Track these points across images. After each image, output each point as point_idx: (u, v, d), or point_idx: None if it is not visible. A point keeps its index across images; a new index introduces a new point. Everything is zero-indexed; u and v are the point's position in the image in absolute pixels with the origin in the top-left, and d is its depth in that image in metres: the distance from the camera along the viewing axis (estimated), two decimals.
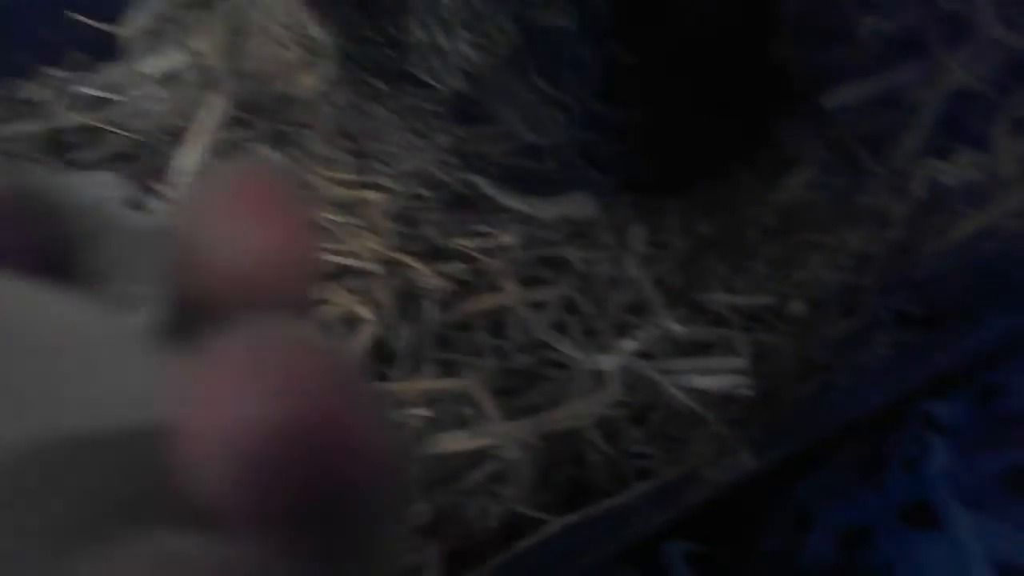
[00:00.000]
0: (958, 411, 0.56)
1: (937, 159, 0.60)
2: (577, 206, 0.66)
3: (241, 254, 0.13)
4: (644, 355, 0.60)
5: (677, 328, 0.59)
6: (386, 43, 0.63)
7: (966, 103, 0.64)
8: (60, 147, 0.77)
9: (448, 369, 0.62)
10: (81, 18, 0.78)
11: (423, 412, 0.57)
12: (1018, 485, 0.54)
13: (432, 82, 0.61)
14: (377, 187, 0.72)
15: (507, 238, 0.68)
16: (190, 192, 0.14)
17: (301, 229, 0.14)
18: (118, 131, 0.77)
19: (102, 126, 0.77)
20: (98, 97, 0.79)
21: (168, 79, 0.80)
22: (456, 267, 0.67)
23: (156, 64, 0.81)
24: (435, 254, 0.69)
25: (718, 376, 0.56)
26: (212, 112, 0.71)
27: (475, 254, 0.68)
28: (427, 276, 0.66)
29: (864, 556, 0.52)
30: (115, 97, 0.79)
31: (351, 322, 0.65)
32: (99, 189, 0.73)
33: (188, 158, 0.71)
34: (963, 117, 0.64)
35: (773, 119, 0.65)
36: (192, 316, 0.14)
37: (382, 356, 0.63)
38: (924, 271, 0.57)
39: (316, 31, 0.78)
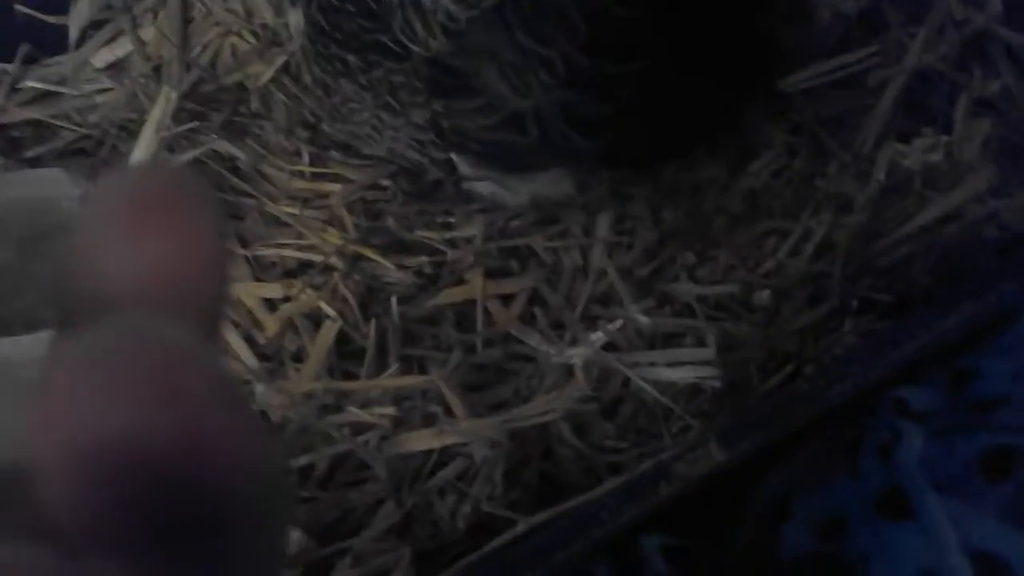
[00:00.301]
0: (932, 397, 0.56)
1: (899, 142, 0.60)
2: (552, 184, 0.64)
3: (139, 263, 0.12)
4: (612, 347, 0.59)
5: (644, 320, 0.58)
6: (359, 12, 0.61)
7: (928, 83, 0.64)
8: (9, 144, 0.74)
9: (414, 365, 0.61)
10: (29, 11, 0.75)
11: (389, 411, 0.56)
12: (994, 469, 0.54)
13: (411, 45, 0.58)
14: (337, 178, 0.71)
15: (472, 229, 0.67)
16: (90, 196, 0.13)
17: (205, 236, 0.13)
18: (68, 126, 0.75)
19: (52, 121, 0.74)
20: (47, 91, 0.76)
21: (118, 71, 0.78)
22: (420, 260, 0.66)
23: (105, 56, 0.79)
24: (399, 247, 0.67)
25: (686, 368, 0.56)
26: (164, 104, 0.69)
27: (440, 246, 0.66)
28: (391, 270, 0.65)
29: (841, 547, 0.53)
30: (64, 91, 0.76)
31: (315, 319, 0.64)
32: (50, 187, 0.71)
33: (141, 152, 0.69)
34: (925, 97, 0.64)
35: (754, 90, 0.64)
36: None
37: (346, 353, 0.62)
38: (889, 257, 0.57)
39: (271, 18, 0.76)
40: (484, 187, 0.64)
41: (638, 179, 0.65)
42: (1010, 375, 0.61)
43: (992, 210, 0.56)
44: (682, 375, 0.56)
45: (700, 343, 0.57)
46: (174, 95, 0.70)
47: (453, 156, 0.61)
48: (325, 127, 0.70)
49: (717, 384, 0.55)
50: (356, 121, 0.65)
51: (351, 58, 0.62)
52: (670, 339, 0.59)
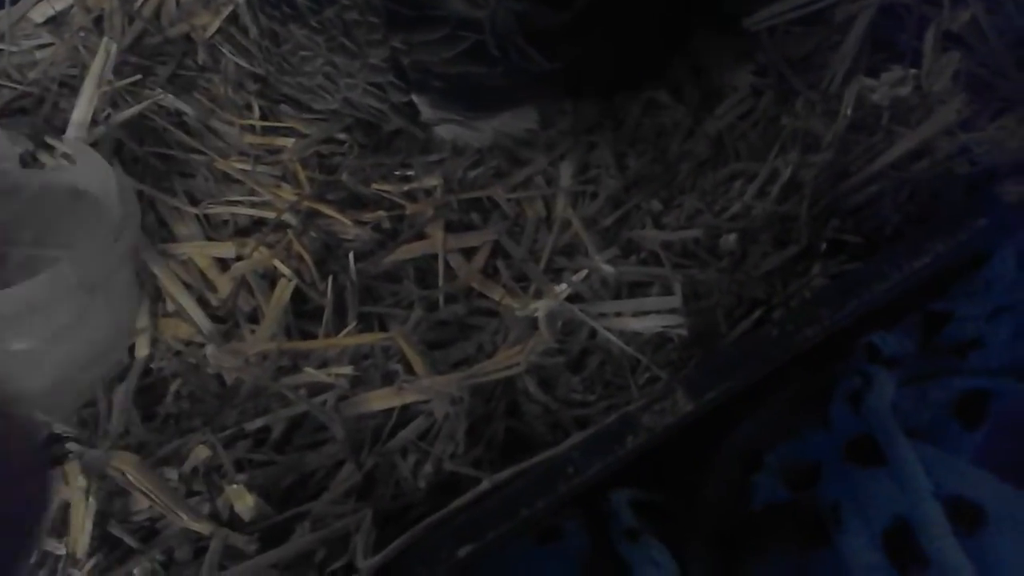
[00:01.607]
0: (903, 342, 0.55)
1: (867, 76, 0.58)
2: (515, 119, 0.62)
3: None
4: (578, 298, 0.58)
5: (609, 270, 0.57)
6: None
7: (895, 18, 0.62)
8: None
9: (373, 323, 0.59)
10: None
11: (347, 371, 0.54)
12: (968, 414, 0.53)
13: None
14: (290, 132, 0.68)
15: (431, 181, 0.65)
16: None
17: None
18: (6, 83, 0.71)
19: None
20: None
21: (58, 25, 0.75)
22: (378, 215, 0.63)
23: (44, 10, 0.75)
24: (355, 202, 0.65)
25: (652, 317, 0.54)
26: (104, 57, 0.66)
27: (398, 200, 0.64)
28: (348, 226, 0.63)
29: (813, 494, 0.52)
30: (2, 47, 0.73)
31: (270, 278, 0.62)
32: None
33: (82, 109, 0.66)
34: (892, 33, 0.62)
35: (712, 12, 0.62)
36: None
37: (303, 313, 0.60)
38: (857, 196, 0.55)
39: None
40: (446, 131, 0.62)
41: (601, 116, 0.63)
42: (983, 317, 0.60)
43: (962, 144, 0.54)
44: (648, 325, 0.54)
45: (667, 291, 0.56)
46: (114, 47, 0.67)
47: (414, 98, 0.59)
48: (274, 82, 0.67)
49: (684, 333, 0.53)
50: (308, 71, 0.63)
51: None
52: (636, 288, 0.58)
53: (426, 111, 0.61)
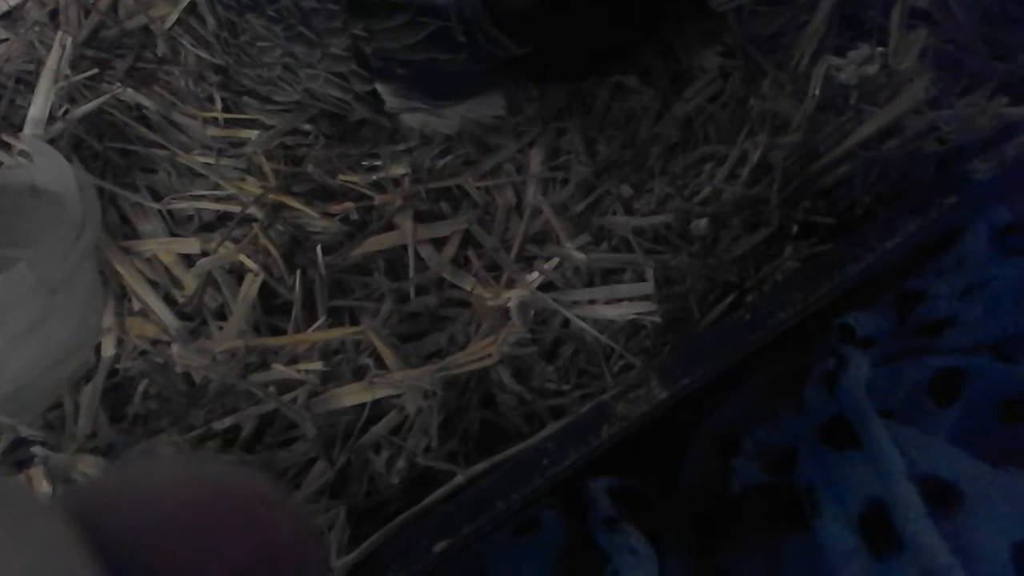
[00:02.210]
0: (878, 322, 0.54)
1: (834, 56, 0.57)
2: (483, 105, 0.61)
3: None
4: (550, 287, 0.57)
5: (581, 257, 0.56)
6: None
7: None
8: None
9: (344, 317, 0.59)
10: None
11: (316, 366, 0.53)
12: (942, 392, 0.53)
13: None
14: (254, 124, 0.67)
15: (399, 170, 0.64)
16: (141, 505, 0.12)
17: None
18: None
19: None
20: None
21: (12, 20, 0.73)
22: (346, 206, 0.62)
23: None
24: (322, 194, 0.64)
25: (625, 304, 0.54)
26: (60, 52, 0.64)
27: (366, 191, 0.63)
28: (315, 218, 0.62)
29: (789, 478, 0.51)
30: None
31: (237, 273, 0.60)
32: None
33: (39, 106, 0.65)
34: (859, 10, 0.61)
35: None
36: None
37: (272, 309, 0.59)
38: (828, 177, 0.55)
39: None
40: (413, 119, 0.61)
41: (569, 101, 0.62)
42: (955, 295, 0.60)
43: (931, 122, 0.54)
44: (621, 312, 0.54)
45: (639, 278, 0.55)
46: (70, 41, 0.65)
47: (378, 87, 0.58)
48: (233, 74, 0.66)
49: (657, 319, 0.52)
50: (267, 62, 0.61)
51: None
52: (609, 275, 0.57)
53: (390, 100, 0.60)
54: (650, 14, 0.60)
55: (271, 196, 0.62)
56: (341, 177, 0.64)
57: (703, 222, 0.53)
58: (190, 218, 0.64)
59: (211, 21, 0.63)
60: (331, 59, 0.58)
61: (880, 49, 0.56)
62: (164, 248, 0.62)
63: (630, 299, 0.54)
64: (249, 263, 0.60)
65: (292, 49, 0.59)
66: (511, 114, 0.63)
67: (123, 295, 0.60)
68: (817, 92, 0.55)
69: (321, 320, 0.57)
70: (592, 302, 0.55)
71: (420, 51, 0.56)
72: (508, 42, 0.55)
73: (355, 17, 0.56)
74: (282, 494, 0.13)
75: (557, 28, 0.57)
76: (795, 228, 0.54)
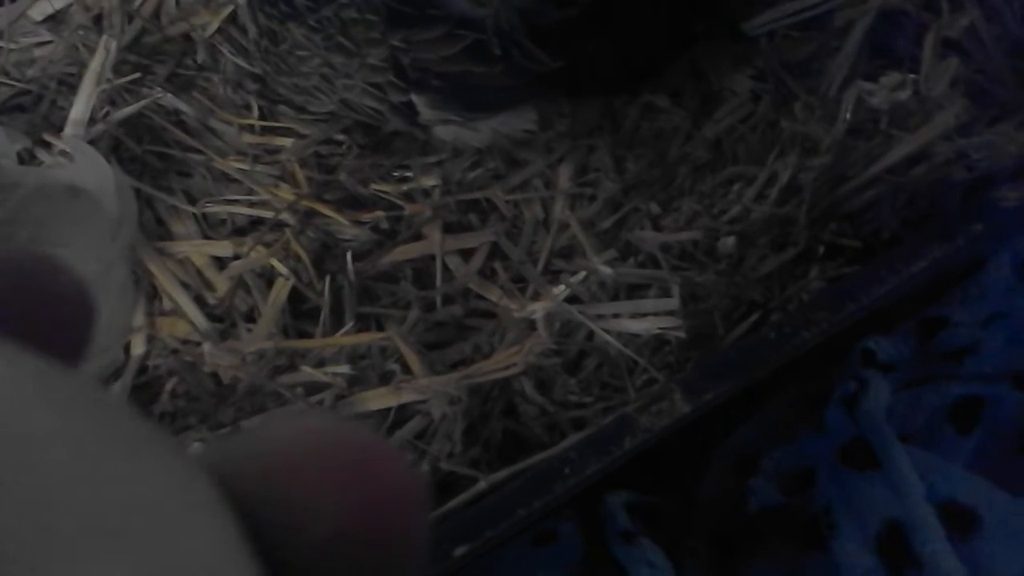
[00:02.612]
0: (900, 348, 0.55)
1: (865, 81, 0.58)
2: (514, 119, 0.62)
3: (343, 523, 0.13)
4: (575, 300, 0.58)
5: (607, 271, 0.57)
6: None
7: (894, 24, 0.62)
8: None
9: (371, 323, 0.59)
10: None
11: (344, 370, 0.54)
12: (962, 419, 0.53)
13: None
14: (289, 132, 0.68)
15: (429, 182, 0.65)
16: (265, 444, 0.13)
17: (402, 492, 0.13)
18: (5, 80, 0.71)
19: None
20: None
21: (57, 23, 0.75)
22: (376, 215, 0.64)
23: (44, 7, 0.75)
24: (354, 202, 0.65)
25: (650, 319, 0.55)
26: (104, 56, 0.66)
27: (396, 200, 0.64)
28: (346, 226, 0.63)
29: (807, 498, 0.52)
30: (1, 44, 0.73)
31: (267, 277, 0.62)
32: None
33: (81, 107, 0.66)
34: (891, 39, 0.62)
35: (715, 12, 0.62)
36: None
37: (300, 313, 0.60)
38: (855, 200, 0.55)
39: None
40: (445, 131, 0.62)
41: (599, 119, 0.63)
42: (978, 324, 0.60)
43: (960, 149, 0.54)
44: (646, 326, 0.54)
45: (664, 294, 0.56)
46: (114, 45, 0.67)
47: (413, 98, 0.59)
48: (271, 82, 0.67)
49: (681, 335, 0.53)
50: (304, 72, 0.63)
51: None
52: (634, 290, 0.58)
53: (425, 111, 0.61)
54: (680, 32, 0.61)
55: (303, 203, 0.63)
56: (372, 186, 0.65)
57: (731, 240, 0.54)
58: (223, 222, 0.65)
59: (252, 29, 0.64)
60: (368, 69, 0.60)
61: (912, 76, 0.56)
62: (197, 250, 0.63)
63: (655, 314, 0.55)
64: (280, 267, 0.61)
65: (330, 59, 0.60)
66: (542, 129, 0.64)
67: (154, 295, 0.61)
68: (848, 115, 0.56)
69: (349, 325, 0.58)
70: (617, 316, 0.56)
71: (456, 63, 0.57)
72: (543, 56, 0.56)
73: (394, 28, 0.57)
74: (396, 449, 0.14)
75: (590, 44, 0.58)
76: (821, 250, 0.55)
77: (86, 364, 0.14)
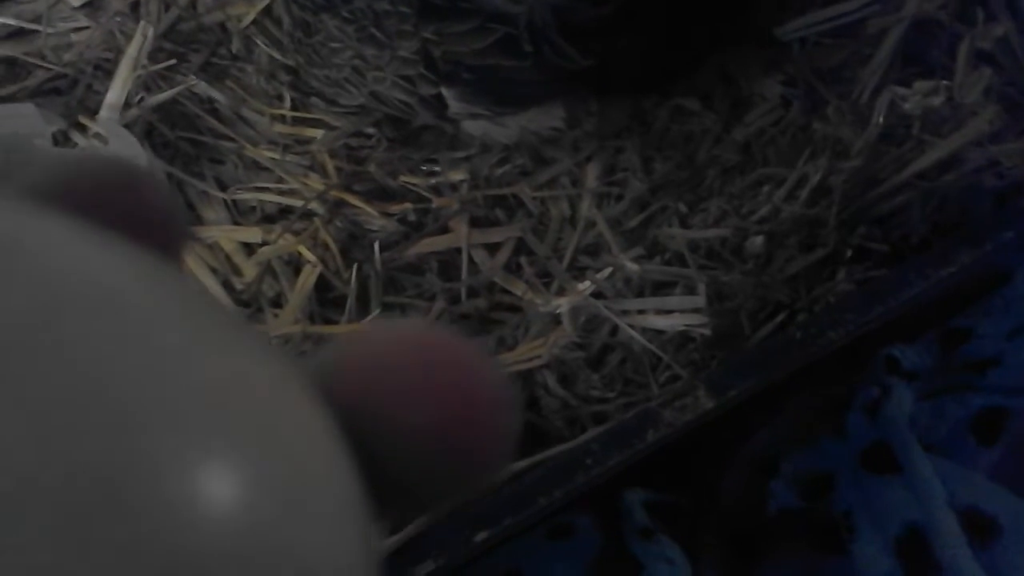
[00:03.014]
0: (923, 356, 0.55)
1: (898, 86, 0.58)
2: (542, 116, 0.62)
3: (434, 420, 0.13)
4: (600, 296, 0.58)
5: (633, 268, 0.57)
6: None
7: (927, 33, 0.62)
8: None
9: (396, 313, 0.60)
10: None
11: None
12: (985, 431, 0.53)
13: None
14: (319, 123, 0.69)
15: (457, 175, 0.65)
16: (350, 350, 0.13)
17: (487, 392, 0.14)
18: (41, 63, 0.72)
19: (24, 58, 0.72)
20: (21, 28, 0.74)
21: (95, 9, 0.76)
22: (404, 207, 0.64)
23: None
24: (382, 194, 0.66)
25: (675, 316, 0.55)
26: (140, 42, 0.67)
27: (424, 193, 0.65)
28: (374, 217, 0.63)
29: (826, 502, 0.52)
30: (38, 28, 0.74)
31: (294, 265, 0.62)
32: (22, 123, 0.69)
33: (116, 91, 0.67)
34: (924, 48, 0.62)
35: (745, 19, 0.62)
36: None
37: (327, 301, 0.61)
38: (885, 205, 0.55)
39: None
40: (474, 126, 0.62)
41: (628, 121, 0.64)
42: (1003, 336, 0.60)
43: (992, 157, 0.54)
44: (671, 323, 0.54)
45: (690, 292, 0.56)
46: (151, 32, 0.68)
47: (443, 91, 0.59)
48: (303, 74, 0.68)
49: (707, 332, 0.53)
50: (336, 63, 0.63)
51: None
52: (660, 288, 0.58)
53: (454, 104, 0.61)
54: (711, 35, 0.62)
55: (333, 192, 0.64)
56: (401, 179, 0.65)
57: (759, 240, 0.54)
58: (253, 209, 0.65)
59: (286, 20, 0.65)
60: (400, 62, 0.60)
61: (945, 83, 0.56)
62: (226, 235, 0.63)
63: (681, 311, 0.55)
64: (308, 255, 0.61)
65: (362, 51, 0.61)
66: (569, 127, 0.64)
67: None
68: (881, 119, 0.56)
69: (374, 314, 0.58)
70: (642, 312, 0.56)
71: (487, 56, 0.57)
72: (574, 53, 0.56)
73: (426, 21, 0.58)
74: (490, 359, 0.14)
75: (621, 43, 0.58)
76: (849, 253, 0.55)
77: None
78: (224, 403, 0.10)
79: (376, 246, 0.61)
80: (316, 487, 0.11)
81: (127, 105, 0.67)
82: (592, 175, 0.65)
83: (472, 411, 0.13)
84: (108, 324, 0.10)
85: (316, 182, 0.65)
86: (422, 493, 0.13)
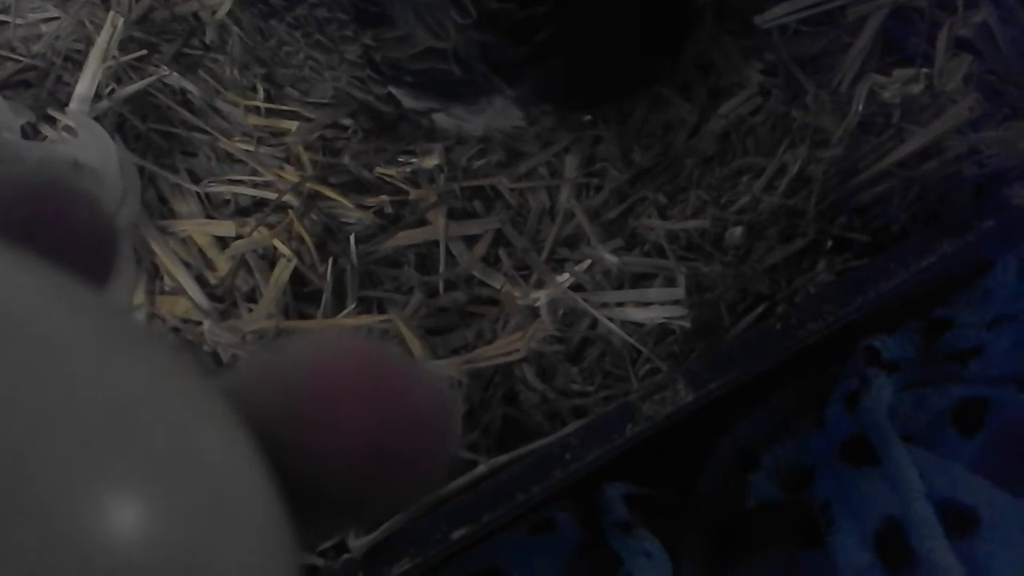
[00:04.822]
0: (903, 347, 0.54)
1: (878, 75, 0.58)
2: (501, 115, 0.62)
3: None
4: (579, 289, 0.57)
5: (612, 259, 0.56)
6: None
7: (906, 21, 0.62)
8: None
9: (373, 307, 0.59)
10: None
11: None
12: (966, 421, 0.53)
13: None
14: (294, 115, 0.68)
15: (432, 161, 0.64)
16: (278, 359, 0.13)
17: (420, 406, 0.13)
18: (11, 55, 0.71)
19: None
20: None
21: None
22: (381, 199, 0.63)
23: None
24: (358, 186, 0.65)
25: (655, 308, 0.54)
26: (110, 32, 0.66)
27: (401, 185, 0.64)
28: (350, 209, 0.63)
29: (805, 494, 0.51)
30: (7, 19, 0.73)
31: (269, 258, 0.61)
32: None
33: (86, 83, 0.66)
34: (903, 36, 0.62)
35: (693, 33, 0.62)
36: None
37: (302, 295, 0.60)
38: (865, 194, 0.55)
39: None
40: (446, 121, 0.62)
41: (587, 116, 0.63)
42: (984, 326, 0.60)
43: (972, 145, 0.54)
44: (651, 315, 0.54)
45: (670, 284, 0.55)
46: (121, 22, 0.66)
47: (392, 90, 0.59)
48: (271, 71, 0.67)
49: (686, 325, 0.53)
50: (295, 64, 0.63)
51: None
52: (639, 280, 0.57)
53: (407, 101, 0.61)
54: (670, 39, 0.61)
55: (308, 185, 0.63)
56: (377, 171, 0.64)
57: (738, 231, 0.53)
58: (227, 202, 0.64)
59: (245, 24, 0.64)
60: (349, 64, 0.60)
61: (925, 71, 0.56)
62: (200, 229, 0.62)
63: (660, 303, 0.54)
64: (283, 248, 0.60)
65: (313, 54, 0.60)
66: (529, 124, 0.63)
67: (155, 274, 0.61)
68: (860, 108, 0.55)
69: (350, 308, 0.57)
70: (621, 304, 0.55)
71: (423, 61, 0.57)
72: (502, 84, 0.56)
73: (362, 27, 0.57)
74: (425, 367, 0.14)
75: (554, 71, 0.57)
76: (829, 243, 0.54)
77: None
78: (130, 423, 0.10)
79: (352, 239, 0.60)
80: (226, 502, 0.10)
81: (97, 97, 0.66)
82: (571, 166, 0.64)
83: (406, 416, 0.12)
84: (15, 348, 0.10)
85: (291, 174, 0.64)
86: (361, 503, 0.12)
